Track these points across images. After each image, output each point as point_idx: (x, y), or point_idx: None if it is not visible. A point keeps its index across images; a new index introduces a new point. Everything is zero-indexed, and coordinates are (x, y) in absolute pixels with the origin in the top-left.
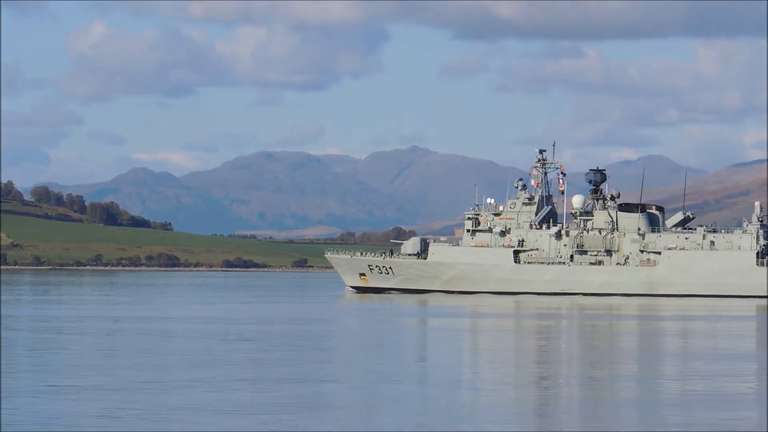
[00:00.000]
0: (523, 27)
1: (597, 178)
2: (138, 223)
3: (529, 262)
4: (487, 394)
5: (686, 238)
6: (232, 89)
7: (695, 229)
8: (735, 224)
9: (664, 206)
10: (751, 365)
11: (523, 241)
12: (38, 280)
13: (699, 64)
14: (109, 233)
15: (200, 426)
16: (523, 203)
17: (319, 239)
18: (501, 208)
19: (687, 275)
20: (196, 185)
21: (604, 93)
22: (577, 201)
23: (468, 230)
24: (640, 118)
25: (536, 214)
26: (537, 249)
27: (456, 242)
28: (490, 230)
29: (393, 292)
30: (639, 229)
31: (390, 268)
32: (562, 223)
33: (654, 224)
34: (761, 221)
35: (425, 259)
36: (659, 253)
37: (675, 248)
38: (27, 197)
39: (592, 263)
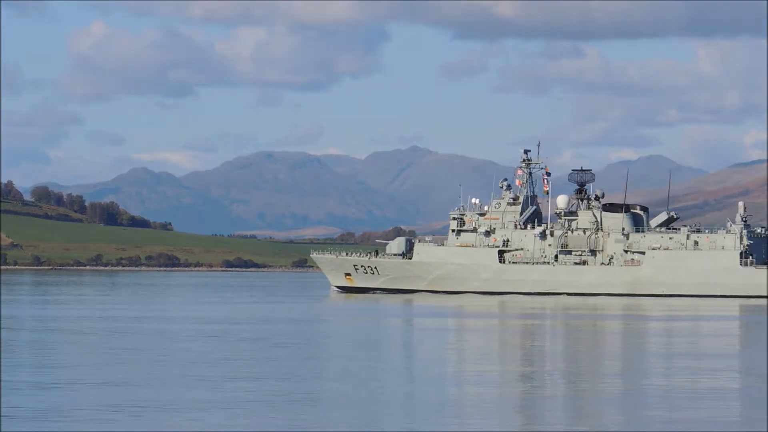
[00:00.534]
0: (523, 27)
1: (581, 178)
2: (138, 223)
3: (513, 262)
4: (472, 390)
5: (670, 238)
6: (232, 89)
7: (679, 229)
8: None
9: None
10: (734, 363)
11: (507, 241)
12: (38, 280)
13: (699, 64)
14: (109, 233)
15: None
16: (508, 203)
17: (319, 239)
18: (486, 208)
19: (671, 275)
20: (196, 185)
21: (604, 93)
22: (562, 201)
23: (453, 230)
24: (640, 118)
25: (521, 214)
26: (521, 249)
27: (441, 242)
28: (474, 230)
29: (378, 292)
30: (623, 229)
31: (375, 268)
32: (547, 223)
33: (638, 224)
34: (745, 221)
35: (410, 259)
36: (643, 253)
37: (659, 248)
38: (27, 197)
39: (576, 263)
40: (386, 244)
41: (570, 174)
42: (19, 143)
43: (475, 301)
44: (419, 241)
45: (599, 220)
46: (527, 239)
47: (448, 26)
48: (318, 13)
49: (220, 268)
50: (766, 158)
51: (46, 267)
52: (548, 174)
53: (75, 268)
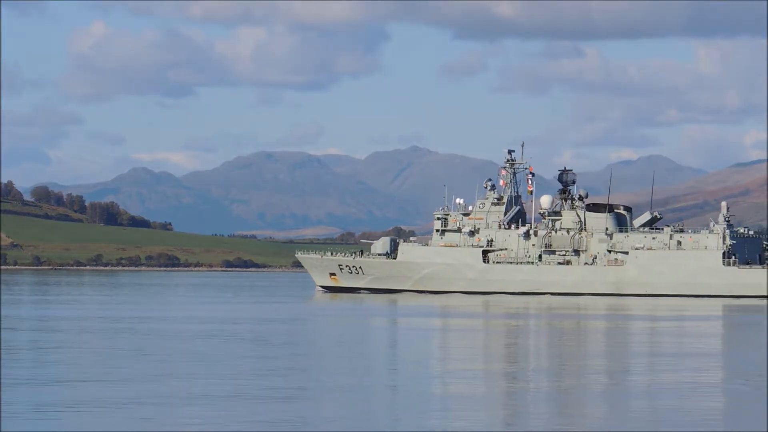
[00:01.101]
0: (523, 27)
1: (565, 179)
2: (138, 223)
3: (497, 262)
4: (456, 388)
5: (653, 238)
6: (232, 89)
7: (662, 229)
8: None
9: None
10: (717, 362)
11: (491, 241)
12: (38, 280)
13: (699, 64)
14: (109, 233)
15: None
16: (492, 203)
17: (319, 239)
18: (470, 208)
19: (654, 275)
20: (196, 185)
21: (604, 93)
22: (546, 201)
23: (437, 230)
24: (640, 118)
25: (505, 214)
26: (505, 249)
27: (425, 242)
28: (459, 230)
29: (363, 291)
30: (607, 229)
31: (360, 267)
32: (531, 223)
33: (622, 224)
34: (728, 221)
35: (395, 258)
36: (627, 253)
37: (642, 248)
38: (27, 197)
39: (560, 263)
40: (371, 243)
41: (559, 175)
42: (19, 143)
43: (459, 301)
44: (404, 241)
45: (583, 220)
46: (511, 239)
47: (448, 26)
48: (318, 13)
49: (220, 269)
50: (766, 158)
51: (46, 267)
52: (532, 174)
53: (75, 268)
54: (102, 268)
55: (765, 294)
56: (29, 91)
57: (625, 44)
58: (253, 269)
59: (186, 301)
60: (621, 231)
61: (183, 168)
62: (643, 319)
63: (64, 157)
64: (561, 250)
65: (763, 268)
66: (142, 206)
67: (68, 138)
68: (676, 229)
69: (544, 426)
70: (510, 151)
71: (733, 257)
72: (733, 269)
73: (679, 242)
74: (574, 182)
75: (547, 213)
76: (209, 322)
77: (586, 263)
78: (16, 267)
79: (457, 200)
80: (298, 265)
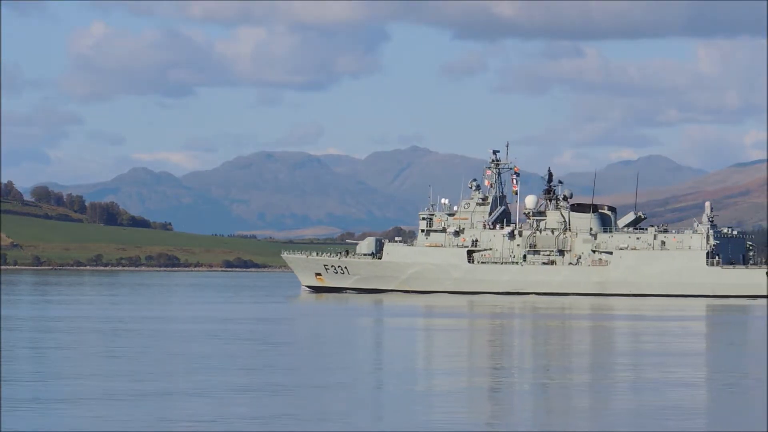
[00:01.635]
0: (523, 27)
1: (550, 179)
2: (138, 223)
3: (482, 262)
4: (440, 385)
5: (637, 238)
6: (232, 89)
7: (646, 229)
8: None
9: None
10: (701, 360)
11: (476, 241)
12: (38, 280)
13: (699, 64)
14: (109, 233)
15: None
16: (477, 203)
17: (319, 239)
18: (455, 208)
19: (638, 275)
20: (196, 185)
21: (604, 93)
22: (530, 201)
23: (422, 230)
24: (640, 118)
25: (490, 214)
26: (490, 249)
27: (411, 242)
28: (444, 230)
29: (349, 291)
30: (591, 229)
31: (345, 267)
32: (515, 223)
33: (606, 224)
34: (711, 221)
35: (380, 258)
36: (611, 253)
37: (626, 248)
38: (27, 197)
39: (544, 263)
40: (356, 244)
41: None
42: (19, 143)
43: (445, 301)
44: (389, 241)
45: (567, 220)
46: (496, 239)
47: (448, 26)
48: (318, 13)
49: (220, 269)
50: (766, 158)
51: (46, 267)
52: (517, 174)
53: (75, 268)
54: (102, 268)
55: (748, 294)
56: (29, 91)
57: (625, 44)
58: (253, 269)
59: (177, 301)
60: (605, 231)
61: (183, 168)
62: (627, 318)
63: (64, 157)
64: (546, 250)
65: (746, 267)
66: (142, 206)
67: (68, 138)
68: (661, 230)
69: (529, 426)
70: (495, 151)
71: (717, 257)
72: (717, 269)
73: (663, 242)
74: (561, 182)
75: (531, 213)
76: (187, 322)
77: (570, 263)
78: (16, 267)
79: (443, 200)
80: None
